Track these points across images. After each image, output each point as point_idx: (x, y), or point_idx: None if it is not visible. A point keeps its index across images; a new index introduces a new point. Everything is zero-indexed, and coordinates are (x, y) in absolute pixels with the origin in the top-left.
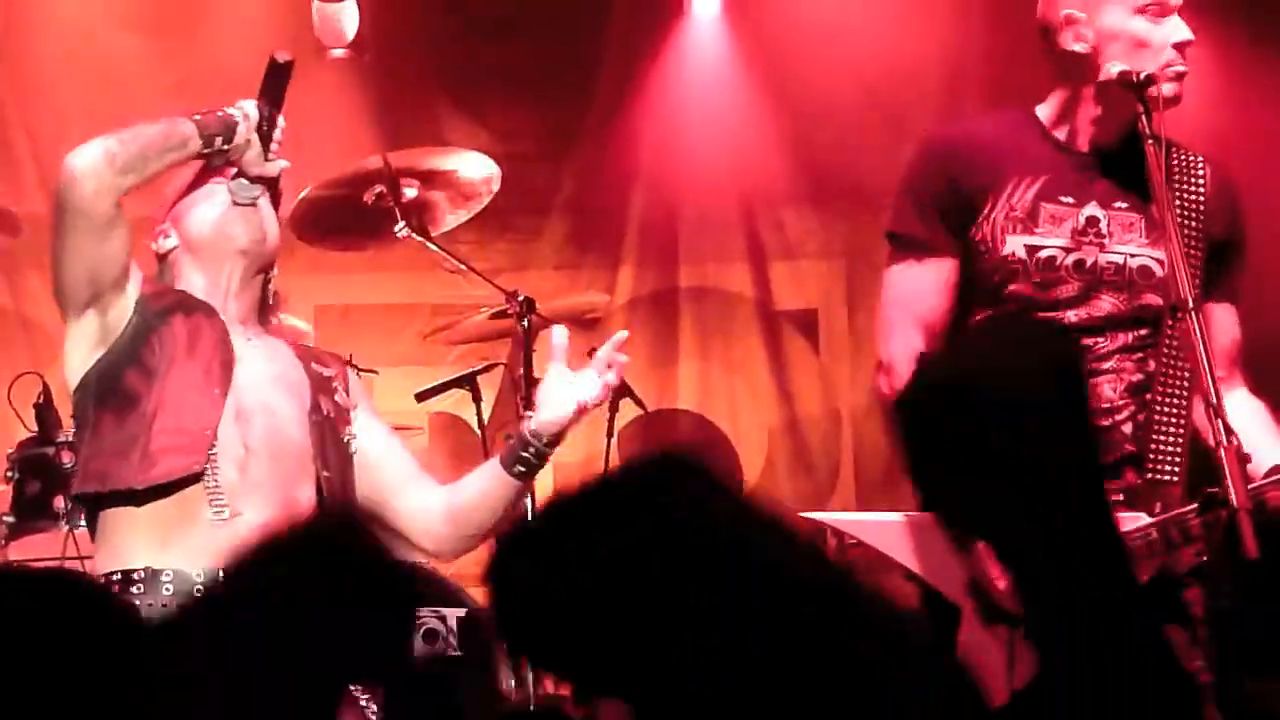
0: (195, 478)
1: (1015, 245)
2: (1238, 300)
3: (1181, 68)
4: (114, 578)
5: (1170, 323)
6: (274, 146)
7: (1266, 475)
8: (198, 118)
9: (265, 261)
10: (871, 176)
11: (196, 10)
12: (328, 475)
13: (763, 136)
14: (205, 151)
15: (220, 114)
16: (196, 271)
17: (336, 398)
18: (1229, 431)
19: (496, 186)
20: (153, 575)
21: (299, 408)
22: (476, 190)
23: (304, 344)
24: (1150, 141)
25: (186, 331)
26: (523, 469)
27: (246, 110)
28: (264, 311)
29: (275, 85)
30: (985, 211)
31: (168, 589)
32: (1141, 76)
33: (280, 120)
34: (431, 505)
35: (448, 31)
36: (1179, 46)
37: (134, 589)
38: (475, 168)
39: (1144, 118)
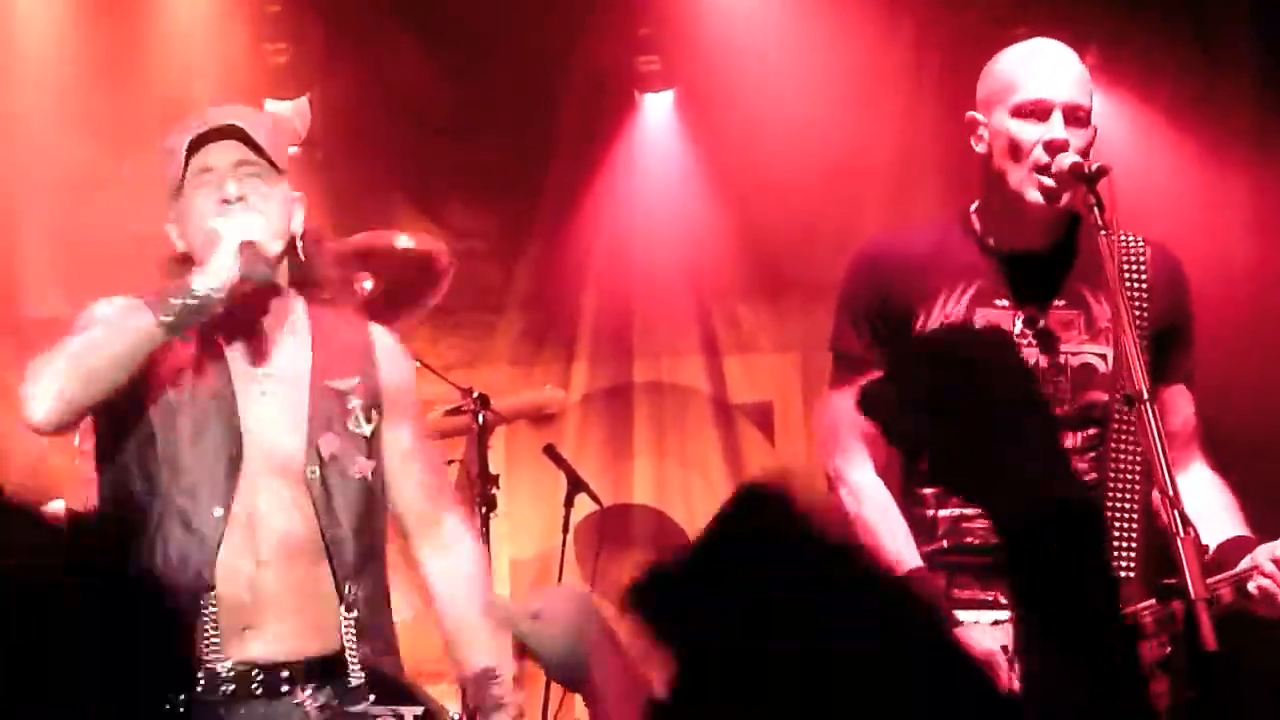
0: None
1: None
2: (1191, 381)
3: (1046, 170)
4: None
5: (1116, 415)
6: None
7: (1216, 555)
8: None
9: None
10: (826, 269)
11: (147, 110)
12: (334, 532)
13: (716, 230)
14: (175, 330)
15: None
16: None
17: (350, 423)
18: (1185, 523)
19: (449, 266)
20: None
21: (305, 474)
22: (429, 267)
23: (331, 326)
24: (1103, 235)
25: (191, 412)
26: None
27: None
28: (286, 304)
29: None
30: (918, 323)
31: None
32: (1093, 168)
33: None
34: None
35: (400, 129)
36: (1051, 147)
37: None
38: (423, 241)
39: (1096, 210)
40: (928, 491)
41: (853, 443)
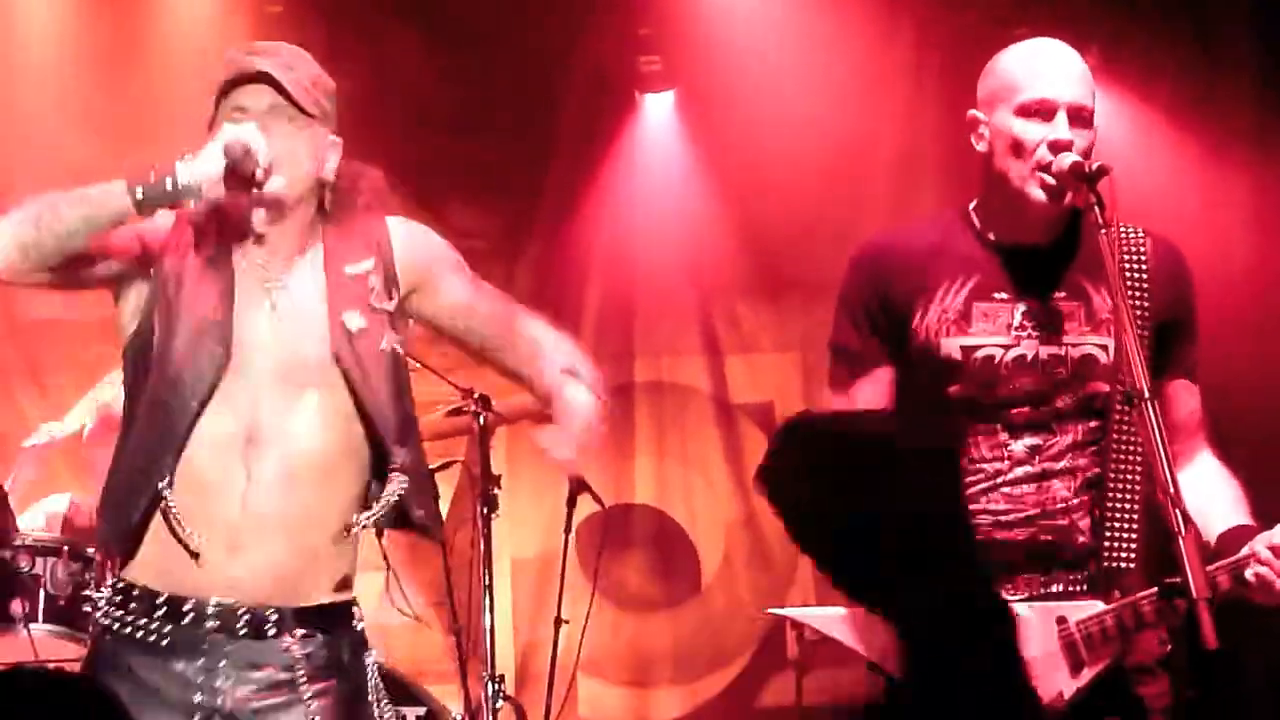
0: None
1: (951, 347)
2: (1194, 373)
3: (1048, 169)
4: (116, 585)
5: (1118, 408)
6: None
7: (1219, 544)
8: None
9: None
10: (827, 268)
11: (147, 107)
12: (374, 400)
13: (717, 230)
14: (142, 207)
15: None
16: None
17: (372, 300)
18: (1186, 521)
19: None
20: (148, 595)
21: (320, 377)
22: None
23: (346, 224)
24: (1103, 232)
25: (187, 318)
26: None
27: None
28: (316, 222)
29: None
30: (917, 317)
31: (161, 611)
32: (1094, 168)
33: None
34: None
35: (400, 128)
36: (1055, 147)
37: (130, 604)
38: None
39: (1096, 209)
40: None
41: None
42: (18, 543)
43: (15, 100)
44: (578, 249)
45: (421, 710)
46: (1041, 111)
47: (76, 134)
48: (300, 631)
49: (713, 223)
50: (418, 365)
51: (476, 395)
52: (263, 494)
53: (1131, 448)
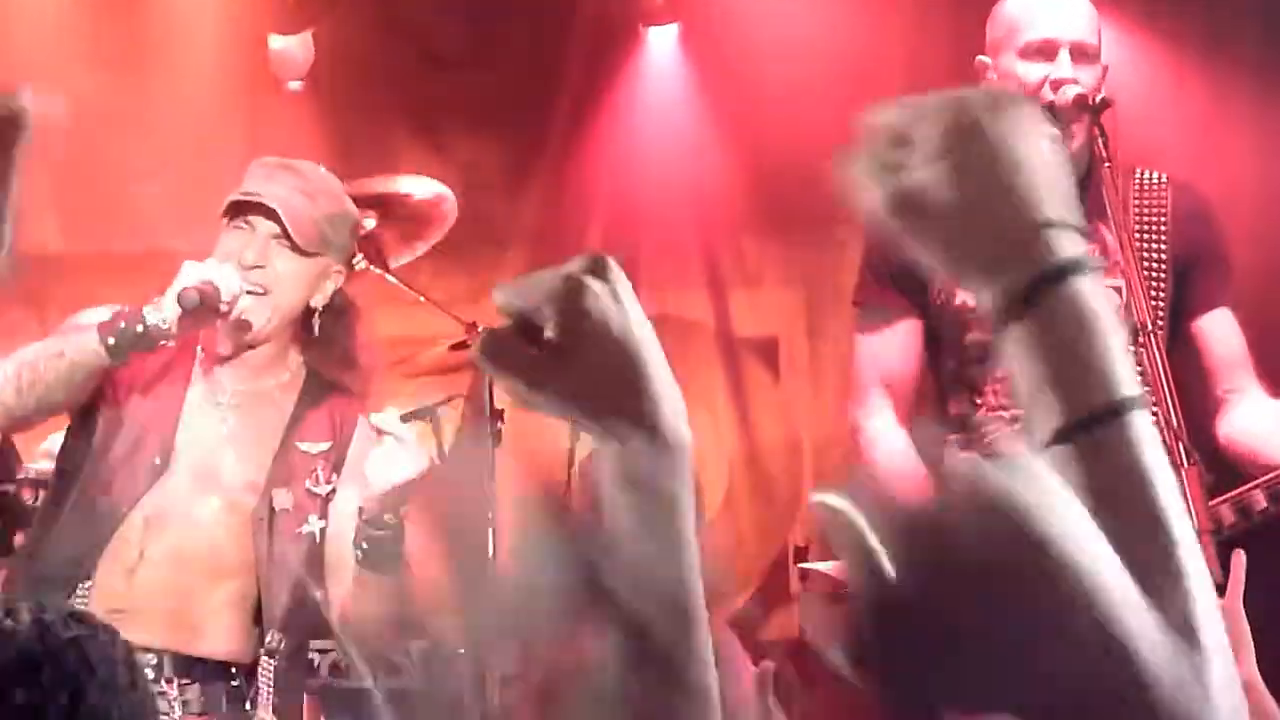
0: None
1: (965, 294)
2: (1232, 304)
3: (1050, 108)
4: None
5: (1129, 350)
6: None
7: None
8: (103, 321)
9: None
10: (832, 203)
11: (151, 45)
12: (271, 582)
13: (721, 164)
14: (116, 357)
15: (125, 314)
16: None
17: (307, 483)
18: (1188, 454)
19: (452, 210)
20: None
21: (236, 508)
22: (432, 214)
23: (322, 395)
24: (1106, 165)
25: (136, 417)
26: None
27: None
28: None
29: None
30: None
31: None
32: (1097, 100)
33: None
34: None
35: (404, 63)
36: (1057, 85)
37: None
38: (427, 188)
39: (1100, 141)
40: (953, 437)
41: (871, 391)
42: (21, 476)
43: (13, 34)
44: (581, 182)
45: (424, 642)
46: (1044, 51)
47: (77, 68)
48: (181, 681)
49: (717, 156)
50: (420, 299)
51: (480, 329)
52: (148, 572)
53: (1148, 386)
